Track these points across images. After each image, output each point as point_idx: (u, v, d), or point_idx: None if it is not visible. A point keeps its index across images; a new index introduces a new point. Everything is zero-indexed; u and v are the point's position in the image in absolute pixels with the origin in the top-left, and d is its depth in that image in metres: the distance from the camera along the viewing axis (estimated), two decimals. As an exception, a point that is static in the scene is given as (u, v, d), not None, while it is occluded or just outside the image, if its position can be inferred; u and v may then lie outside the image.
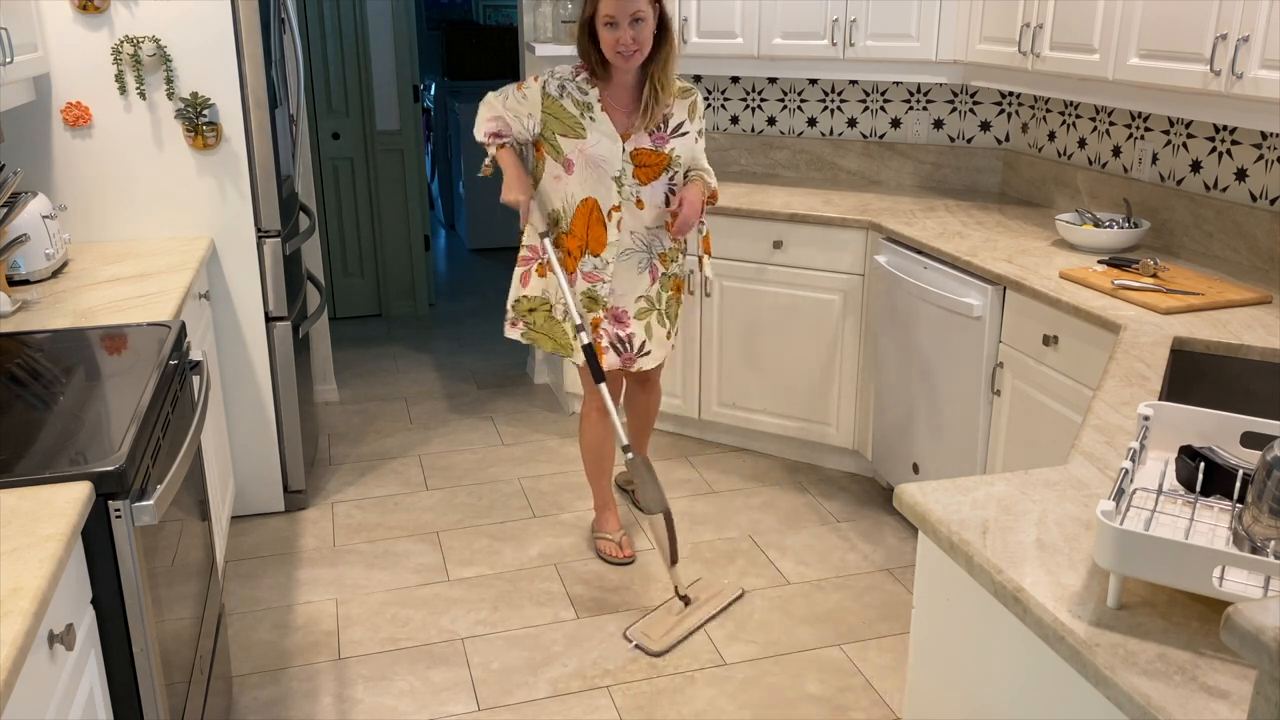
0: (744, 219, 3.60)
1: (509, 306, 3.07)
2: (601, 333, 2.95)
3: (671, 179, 2.88)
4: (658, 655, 2.70)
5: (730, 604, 2.93)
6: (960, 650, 1.44)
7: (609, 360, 2.96)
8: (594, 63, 2.77)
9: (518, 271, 3.03)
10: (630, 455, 2.90)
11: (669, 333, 3.06)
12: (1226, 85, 2.41)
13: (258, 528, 3.38)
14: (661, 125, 2.83)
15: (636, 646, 2.73)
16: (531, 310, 3.02)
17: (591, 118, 2.79)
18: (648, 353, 3.02)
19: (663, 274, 2.98)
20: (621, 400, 3.23)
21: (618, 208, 2.85)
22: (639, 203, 2.86)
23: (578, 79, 2.81)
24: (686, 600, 2.88)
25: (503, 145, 2.90)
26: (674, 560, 2.85)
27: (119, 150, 3.06)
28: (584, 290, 2.92)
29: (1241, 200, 2.86)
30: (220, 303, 3.22)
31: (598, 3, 2.68)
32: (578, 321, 2.87)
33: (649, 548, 3.25)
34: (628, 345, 2.99)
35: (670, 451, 3.92)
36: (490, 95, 2.92)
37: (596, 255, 2.89)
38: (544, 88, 2.82)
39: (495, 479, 3.73)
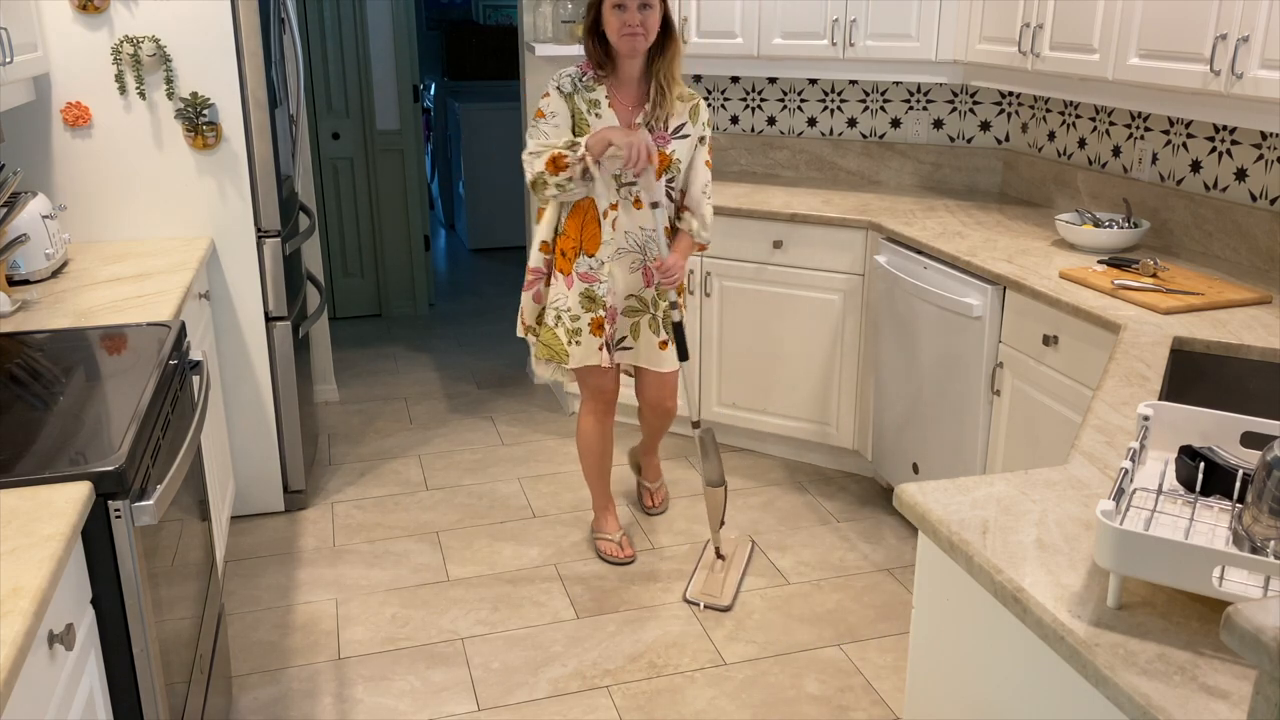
0: (744, 219, 3.60)
1: (535, 324, 3.05)
2: (603, 331, 2.94)
3: (670, 181, 2.89)
4: (729, 609, 2.90)
5: (751, 552, 3.21)
6: (960, 650, 1.44)
7: (604, 357, 2.94)
8: (600, 57, 2.78)
9: (527, 295, 3.01)
10: (700, 431, 3.06)
11: (663, 343, 3.01)
12: (1226, 85, 2.40)
13: (258, 528, 3.38)
14: (663, 125, 2.84)
15: (707, 607, 2.92)
16: (538, 322, 3.02)
17: (598, 114, 2.80)
18: (628, 349, 3.03)
19: (657, 283, 2.93)
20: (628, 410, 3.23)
21: (615, 206, 2.85)
22: (636, 202, 2.86)
23: (584, 78, 2.82)
24: (722, 556, 3.13)
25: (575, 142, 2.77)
26: (722, 524, 3.11)
27: (119, 150, 3.06)
28: (581, 290, 2.91)
29: (1241, 200, 2.86)
30: (220, 303, 3.22)
31: None
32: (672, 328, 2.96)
33: (648, 548, 3.25)
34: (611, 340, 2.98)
35: (670, 451, 3.91)
36: (530, 148, 2.81)
37: (591, 255, 2.88)
38: (560, 89, 2.82)
39: (495, 479, 3.73)
